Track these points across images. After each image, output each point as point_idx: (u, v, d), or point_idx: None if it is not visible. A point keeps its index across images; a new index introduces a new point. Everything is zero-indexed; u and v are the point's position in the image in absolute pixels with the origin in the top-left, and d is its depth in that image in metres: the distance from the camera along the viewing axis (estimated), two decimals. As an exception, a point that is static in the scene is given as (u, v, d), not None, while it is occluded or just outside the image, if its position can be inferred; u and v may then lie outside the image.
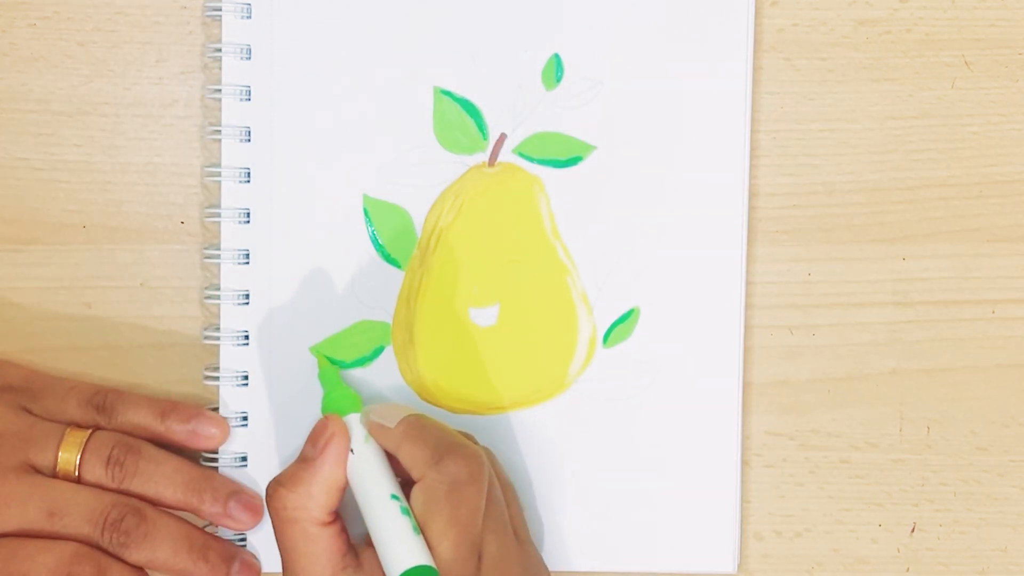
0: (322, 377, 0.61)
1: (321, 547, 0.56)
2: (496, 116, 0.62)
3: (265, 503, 0.57)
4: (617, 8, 0.62)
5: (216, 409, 0.62)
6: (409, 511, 0.55)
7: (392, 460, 0.58)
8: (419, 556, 0.54)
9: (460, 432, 0.59)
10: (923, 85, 0.64)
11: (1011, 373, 0.65)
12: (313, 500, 0.56)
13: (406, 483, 0.57)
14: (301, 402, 0.62)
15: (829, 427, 0.65)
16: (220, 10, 0.62)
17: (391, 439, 0.57)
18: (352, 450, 0.57)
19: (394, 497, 0.56)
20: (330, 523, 0.57)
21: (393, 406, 0.59)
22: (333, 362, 0.62)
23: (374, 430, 0.58)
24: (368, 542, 0.57)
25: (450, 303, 0.63)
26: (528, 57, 0.62)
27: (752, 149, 0.64)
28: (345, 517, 0.58)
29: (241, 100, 0.62)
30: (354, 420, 0.58)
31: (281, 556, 0.57)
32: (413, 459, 0.56)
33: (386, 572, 0.55)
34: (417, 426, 0.57)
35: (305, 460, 0.57)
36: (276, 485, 0.57)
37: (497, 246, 0.63)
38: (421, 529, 0.55)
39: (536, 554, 0.60)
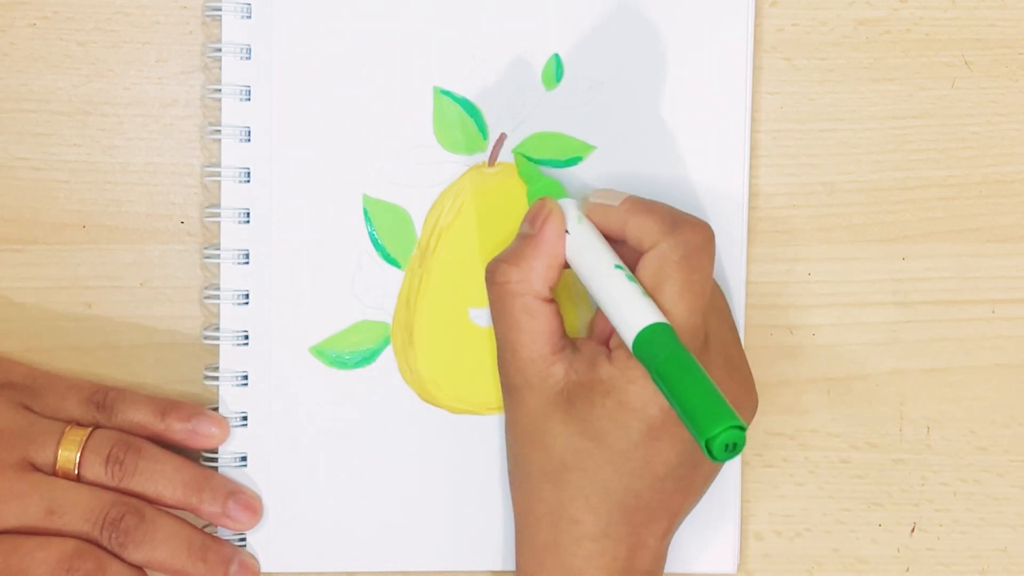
0: (522, 172, 0.62)
1: (542, 323, 0.57)
2: (496, 116, 0.62)
3: (487, 281, 0.58)
4: (617, 8, 0.62)
5: (216, 409, 0.62)
6: (635, 279, 0.56)
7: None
8: (654, 315, 0.54)
9: None
10: (923, 85, 0.64)
11: (1011, 373, 0.65)
12: (536, 273, 0.57)
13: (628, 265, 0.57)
14: (301, 402, 0.62)
15: (829, 427, 0.65)
16: (220, 10, 0.62)
17: (615, 217, 0.58)
18: (568, 231, 0.58)
19: (618, 267, 0.56)
20: (550, 301, 0.58)
21: (611, 191, 0.59)
22: (333, 362, 0.62)
23: (595, 211, 0.58)
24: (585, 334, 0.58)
25: (450, 303, 0.63)
26: (528, 57, 0.62)
27: (752, 149, 0.64)
28: None
29: (241, 100, 0.62)
30: (566, 204, 0.59)
31: (499, 336, 0.58)
32: (644, 230, 0.57)
33: (621, 335, 0.55)
34: (644, 201, 0.58)
35: (524, 237, 0.58)
36: (498, 262, 0.58)
37: (497, 246, 0.63)
38: (652, 295, 0.55)
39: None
